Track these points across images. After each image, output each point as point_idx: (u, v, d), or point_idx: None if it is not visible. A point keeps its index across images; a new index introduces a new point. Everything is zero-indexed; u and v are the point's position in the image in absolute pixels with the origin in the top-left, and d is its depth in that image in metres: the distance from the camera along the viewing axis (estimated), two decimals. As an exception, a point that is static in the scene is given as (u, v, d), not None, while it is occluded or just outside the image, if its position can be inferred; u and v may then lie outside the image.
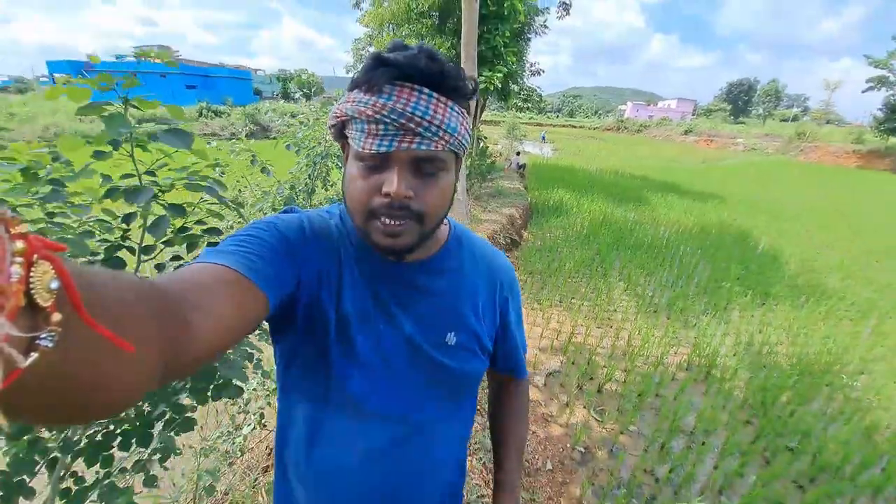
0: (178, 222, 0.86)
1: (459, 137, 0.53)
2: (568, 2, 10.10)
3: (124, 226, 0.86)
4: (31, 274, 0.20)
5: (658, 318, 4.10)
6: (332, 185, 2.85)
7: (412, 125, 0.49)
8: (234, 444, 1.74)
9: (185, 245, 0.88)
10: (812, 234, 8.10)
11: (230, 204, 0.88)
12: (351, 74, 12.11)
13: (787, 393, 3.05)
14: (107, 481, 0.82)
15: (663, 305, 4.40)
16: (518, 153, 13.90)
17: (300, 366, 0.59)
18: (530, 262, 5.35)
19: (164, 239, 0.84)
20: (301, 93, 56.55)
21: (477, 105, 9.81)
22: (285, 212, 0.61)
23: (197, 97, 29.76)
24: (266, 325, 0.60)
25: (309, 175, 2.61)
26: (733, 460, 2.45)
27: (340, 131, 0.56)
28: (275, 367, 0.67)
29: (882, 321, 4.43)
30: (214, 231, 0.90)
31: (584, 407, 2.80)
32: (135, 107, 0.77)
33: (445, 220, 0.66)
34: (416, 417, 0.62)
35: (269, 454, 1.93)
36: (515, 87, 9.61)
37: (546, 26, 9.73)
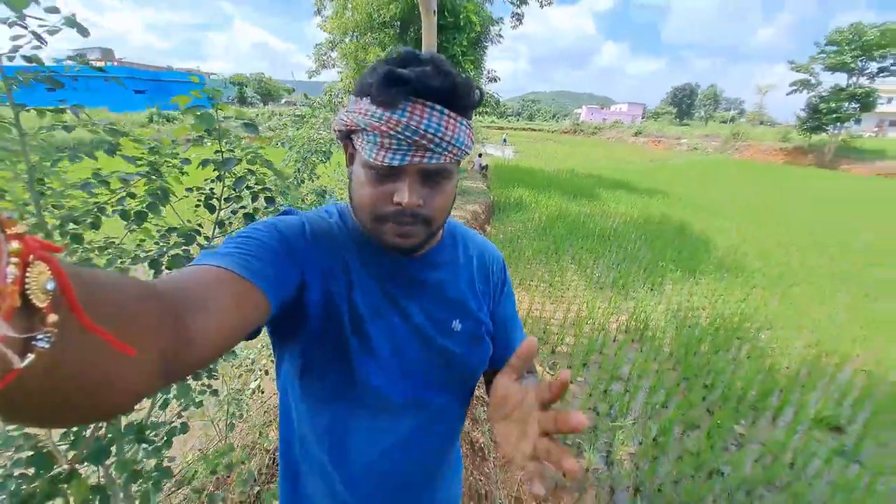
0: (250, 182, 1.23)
1: (465, 149, 0.56)
2: (520, 13, 10.80)
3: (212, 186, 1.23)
4: (27, 275, 0.20)
5: (603, 293, 4.69)
6: (318, 178, 3.20)
7: (424, 142, 0.51)
8: (242, 398, 2.06)
9: (250, 198, 1.25)
10: (741, 226, 9.13)
11: (276, 170, 1.23)
12: (312, 79, 12.25)
13: (704, 344, 3.68)
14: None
15: (608, 283, 5.01)
16: (480, 155, 14.53)
17: (319, 368, 0.59)
18: (493, 252, 5.85)
19: (237, 195, 1.20)
20: (259, 98, 55.21)
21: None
22: (284, 213, 0.62)
23: (146, 102, 28.54)
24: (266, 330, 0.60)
25: (298, 168, 2.95)
26: (659, 396, 3.00)
27: (346, 134, 0.58)
28: (278, 377, 0.67)
29: (788, 290, 5.25)
30: (267, 189, 1.27)
31: (540, 365, 3.28)
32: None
33: None
34: (435, 404, 0.65)
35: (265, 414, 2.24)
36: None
37: (501, 35, 10.39)
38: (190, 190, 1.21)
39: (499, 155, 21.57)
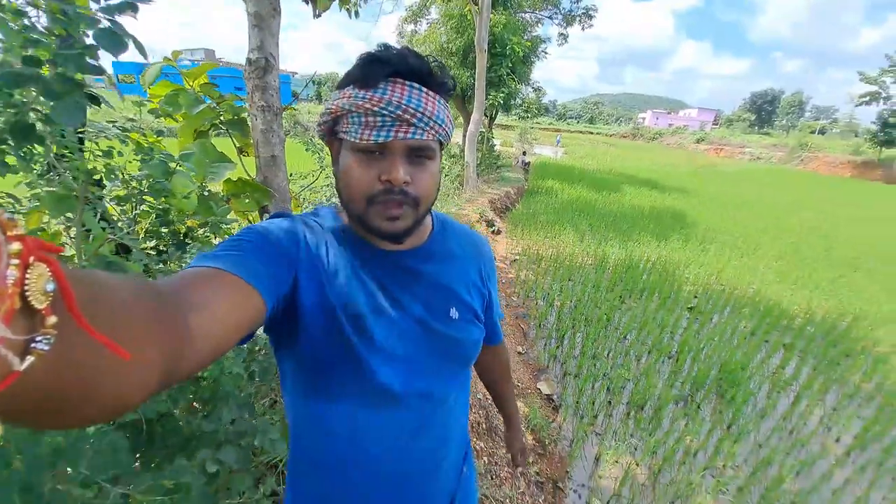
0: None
1: (445, 128, 0.59)
2: (566, 33, 12.83)
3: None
4: (27, 276, 0.20)
5: (584, 242, 6.84)
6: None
7: (407, 116, 0.54)
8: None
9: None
10: (738, 218, 10.58)
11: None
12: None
13: (647, 269, 5.74)
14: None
15: (592, 240, 7.12)
16: (524, 153, 16.66)
17: (323, 368, 0.60)
18: (518, 219, 8.14)
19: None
20: (333, 95, 60.30)
21: (489, 115, 12.70)
22: (276, 216, 0.64)
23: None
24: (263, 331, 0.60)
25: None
26: (612, 295, 5.11)
27: (331, 129, 0.60)
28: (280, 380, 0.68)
29: (722, 247, 7.03)
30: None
31: (533, 274, 5.53)
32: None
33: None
34: (439, 392, 0.67)
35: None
36: (518, 101, 12.52)
37: (546, 52, 12.48)
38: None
39: (548, 154, 23.35)
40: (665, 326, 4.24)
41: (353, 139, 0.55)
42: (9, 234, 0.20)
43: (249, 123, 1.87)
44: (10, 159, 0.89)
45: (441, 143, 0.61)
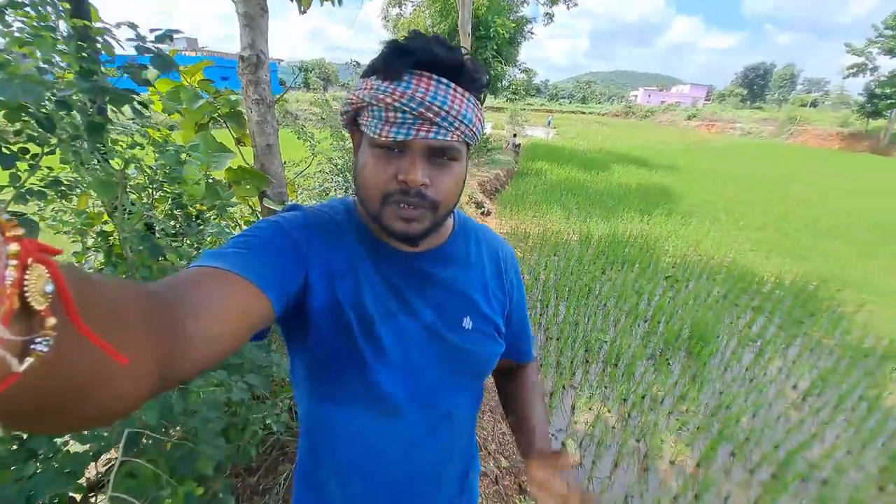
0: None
1: (473, 128, 0.54)
2: (551, 12, 12.85)
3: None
4: (26, 277, 0.20)
5: (570, 220, 7.09)
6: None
7: (430, 114, 0.50)
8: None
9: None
10: (723, 192, 10.84)
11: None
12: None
13: (629, 243, 6.01)
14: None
15: (577, 217, 7.37)
16: (514, 135, 16.76)
17: (329, 370, 0.59)
18: (507, 200, 8.36)
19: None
20: (321, 82, 59.75)
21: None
22: (289, 209, 0.62)
23: (231, 87, 32.97)
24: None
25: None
26: (595, 267, 5.37)
27: (353, 119, 0.57)
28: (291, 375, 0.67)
29: (701, 220, 7.31)
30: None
31: (521, 251, 5.78)
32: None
33: None
34: (446, 404, 0.64)
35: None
36: (505, 83, 12.64)
37: (532, 33, 12.52)
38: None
39: (540, 136, 23.39)
40: (642, 293, 4.53)
41: (372, 134, 0.52)
42: (7, 234, 0.20)
43: (245, 115, 2.09)
44: (85, 154, 1.12)
45: (468, 144, 0.57)
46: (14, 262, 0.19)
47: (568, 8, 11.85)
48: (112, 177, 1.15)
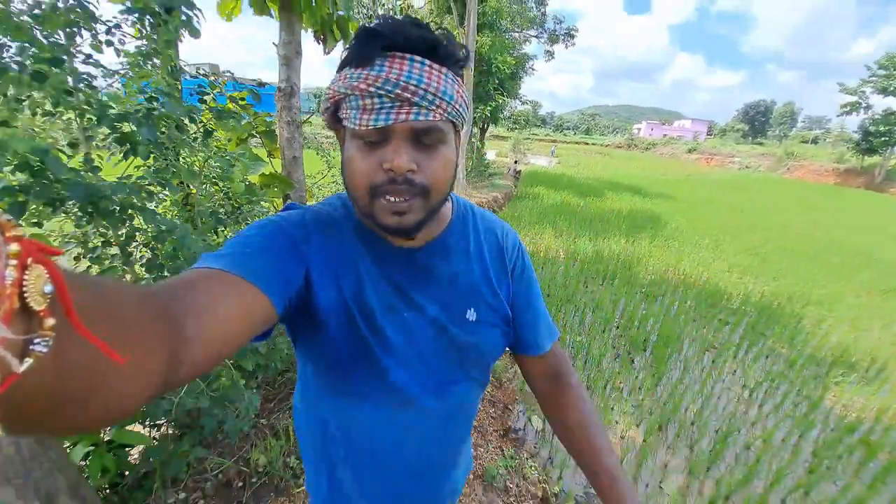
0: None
1: (456, 105, 0.52)
2: (551, 50, 13.80)
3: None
4: (25, 277, 0.20)
5: (561, 239, 7.59)
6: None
7: (408, 95, 0.48)
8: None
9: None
10: (709, 219, 11.35)
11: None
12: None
13: (611, 261, 6.48)
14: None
15: (568, 238, 7.88)
16: (515, 162, 17.52)
17: (337, 365, 0.60)
18: (503, 220, 8.90)
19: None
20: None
21: (480, 126, 13.59)
22: (287, 208, 0.62)
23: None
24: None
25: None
26: (577, 281, 5.86)
27: (334, 115, 0.55)
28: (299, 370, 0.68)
29: (683, 245, 7.78)
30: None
31: None
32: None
33: (449, 197, 0.65)
34: (453, 394, 0.65)
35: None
36: (506, 113, 13.55)
37: (534, 68, 13.44)
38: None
39: (542, 164, 24.20)
40: (617, 303, 4.97)
41: (352, 126, 0.51)
42: (7, 234, 0.20)
43: (277, 133, 2.67)
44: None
45: (455, 125, 0.55)
46: (14, 261, 0.19)
47: (566, 47, 12.80)
48: (194, 169, 1.69)
